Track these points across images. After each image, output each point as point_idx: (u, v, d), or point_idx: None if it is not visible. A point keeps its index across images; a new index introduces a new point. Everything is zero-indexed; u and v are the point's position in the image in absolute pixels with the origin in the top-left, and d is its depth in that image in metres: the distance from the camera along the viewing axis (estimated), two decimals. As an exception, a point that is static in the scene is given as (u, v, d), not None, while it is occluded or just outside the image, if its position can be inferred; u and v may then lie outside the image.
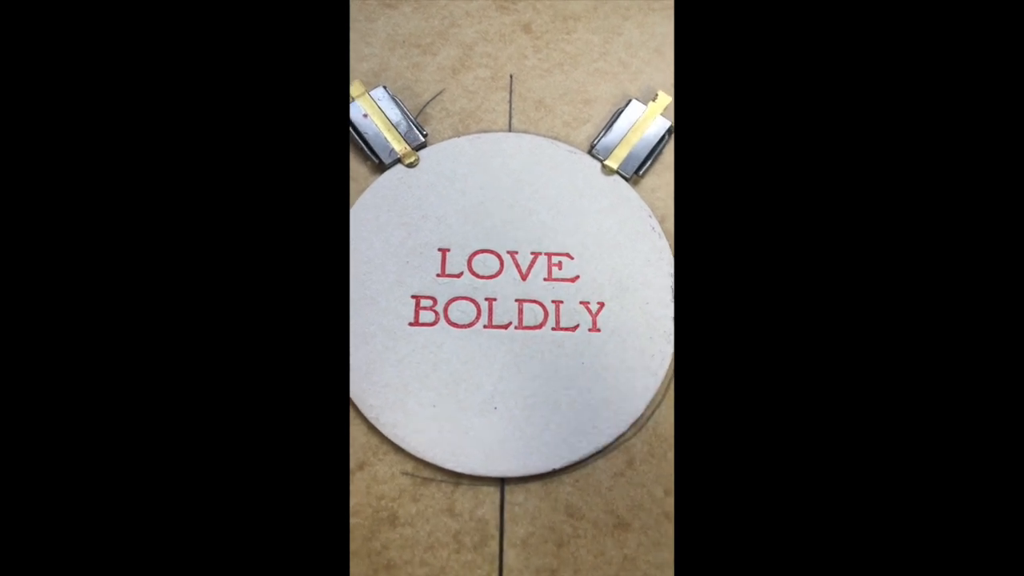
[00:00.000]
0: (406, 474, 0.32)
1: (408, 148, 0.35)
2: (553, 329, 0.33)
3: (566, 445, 0.32)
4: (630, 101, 0.35)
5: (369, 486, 0.32)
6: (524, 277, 0.34)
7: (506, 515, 0.32)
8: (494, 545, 0.32)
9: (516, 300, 0.34)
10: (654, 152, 0.35)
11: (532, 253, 0.34)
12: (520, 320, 0.33)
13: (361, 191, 0.35)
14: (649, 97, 0.35)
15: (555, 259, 0.34)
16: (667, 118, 0.35)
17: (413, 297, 0.33)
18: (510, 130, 0.36)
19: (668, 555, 0.32)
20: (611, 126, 0.35)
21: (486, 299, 0.34)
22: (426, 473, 0.32)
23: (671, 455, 0.33)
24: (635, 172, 0.35)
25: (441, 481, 0.32)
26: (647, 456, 0.33)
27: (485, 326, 0.33)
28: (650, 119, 0.35)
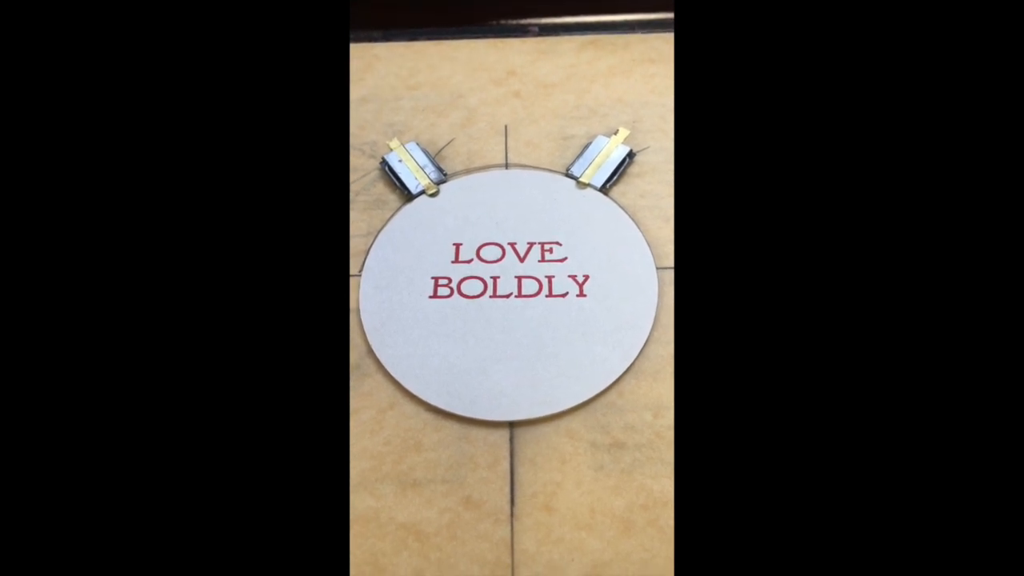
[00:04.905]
0: (430, 410, 0.38)
1: (431, 182, 0.45)
2: (547, 296, 0.41)
3: (565, 392, 0.38)
4: (596, 137, 0.46)
5: (398, 421, 0.38)
6: (522, 260, 0.42)
7: (515, 440, 0.37)
8: (506, 464, 0.36)
9: (516, 276, 0.42)
10: (618, 169, 0.44)
11: (528, 243, 0.43)
12: (519, 291, 0.41)
13: (394, 213, 0.44)
14: (612, 133, 0.46)
15: (547, 246, 0.42)
16: (627, 146, 0.45)
17: (432, 278, 0.42)
18: (507, 167, 0.46)
19: (660, 468, 0.36)
20: (582, 155, 0.45)
21: (491, 277, 0.42)
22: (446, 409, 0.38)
23: (655, 384, 0.38)
24: (603, 185, 0.44)
25: (459, 415, 0.38)
26: (635, 387, 0.38)
27: (491, 296, 0.41)
28: (613, 147, 0.45)
